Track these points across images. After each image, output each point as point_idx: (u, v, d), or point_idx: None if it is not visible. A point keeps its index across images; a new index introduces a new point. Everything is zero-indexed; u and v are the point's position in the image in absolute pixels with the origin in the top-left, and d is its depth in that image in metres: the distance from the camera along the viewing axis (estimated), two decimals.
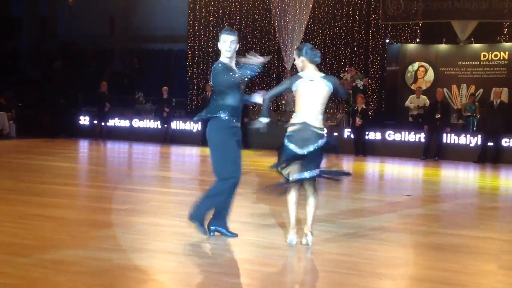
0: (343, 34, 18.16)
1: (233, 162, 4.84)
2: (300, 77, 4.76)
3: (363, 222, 5.98)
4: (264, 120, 4.88)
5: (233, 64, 4.84)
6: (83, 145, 15.31)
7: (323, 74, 4.86)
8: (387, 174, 11.84)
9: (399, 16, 16.92)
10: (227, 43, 4.76)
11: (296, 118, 4.74)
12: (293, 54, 17.34)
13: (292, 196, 4.81)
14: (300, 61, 4.87)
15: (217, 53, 18.52)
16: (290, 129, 4.72)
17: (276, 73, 18.63)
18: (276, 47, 18.19)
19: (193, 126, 16.61)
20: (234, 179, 4.84)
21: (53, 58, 21.94)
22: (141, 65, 22.77)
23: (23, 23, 24.47)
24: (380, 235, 5.44)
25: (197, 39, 19.45)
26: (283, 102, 17.01)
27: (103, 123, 16.70)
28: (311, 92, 4.74)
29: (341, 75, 16.46)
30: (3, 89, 17.65)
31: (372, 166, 12.68)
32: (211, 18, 19.37)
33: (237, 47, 4.86)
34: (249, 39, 19.00)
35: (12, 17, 24.48)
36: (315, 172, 4.69)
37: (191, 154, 14.23)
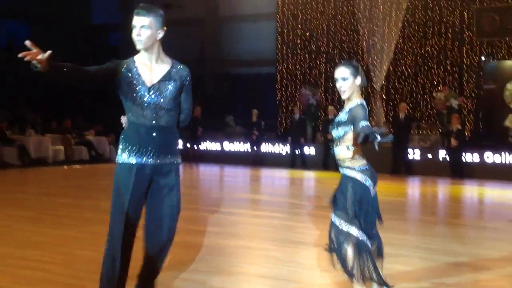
0: (435, 52, 17.63)
1: None
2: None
3: (461, 249, 5.68)
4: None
5: (152, 60, 3.40)
6: None
7: None
8: (487, 198, 11.22)
9: (495, 32, 16.24)
10: (135, 29, 3.32)
11: (364, 159, 3.66)
12: (382, 74, 17.22)
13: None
14: (354, 83, 3.60)
15: (304, 75, 18.48)
16: (360, 163, 3.60)
17: (365, 94, 18.36)
18: (364, 68, 17.98)
19: (283, 148, 16.72)
20: None
21: None
22: (231, 89, 23.27)
23: (119, 52, 25.88)
24: (479, 263, 5.14)
25: (285, 62, 19.66)
26: (373, 123, 16.71)
27: (195, 147, 17.18)
28: None
29: (434, 94, 15.96)
30: (97, 117, 18.51)
31: (470, 190, 12.08)
32: (298, 41, 19.53)
33: (160, 35, 3.36)
34: (337, 61, 18.91)
35: (109, 47, 25.95)
36: None
37: (280, 176, 14.27)
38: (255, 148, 16.76)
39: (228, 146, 17.51)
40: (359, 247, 3.47)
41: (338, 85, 3.61)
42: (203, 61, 23.91)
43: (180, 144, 17.87)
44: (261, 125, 16.98)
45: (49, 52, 2.89)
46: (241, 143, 17.39)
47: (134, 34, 3.31)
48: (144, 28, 3.28)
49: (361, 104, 3.51)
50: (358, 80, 3.58)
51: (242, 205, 8.93)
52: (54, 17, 21.15)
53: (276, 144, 16.97)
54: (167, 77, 3.39)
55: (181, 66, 3.50)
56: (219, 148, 17.57)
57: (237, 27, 23.26)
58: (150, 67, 3.39)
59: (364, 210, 3.54)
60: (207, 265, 4.77)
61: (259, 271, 4.69)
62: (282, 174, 14.54)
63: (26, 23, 23.31)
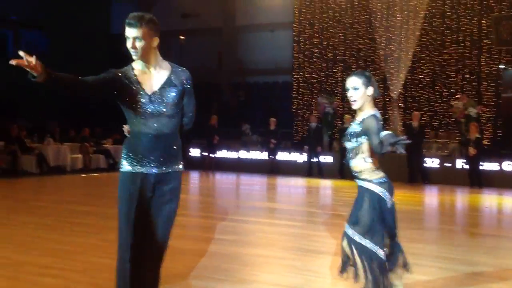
0: (454, 60, 17.53)
1: None
2: (380, 119, 3.52)
3: (480, 259, 5.61)
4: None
5: (151, 68, 3.34)
6: (194, 176, 15.84)
7: None
8: (505, 208, 11.08)
9: None
10: (129, 41, 3.23)
11: (382, 171, 3.55)
12: (399, 83, 17.13)
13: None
14: (365, 93, 3.52)
15: (321, 84, 18.50)
16: (378, 175, 3.51)
17: (382, 102, 18.29)
18: (381, 77, 17.93)
19: (299, 157, 16.71)
20: None
21: None
22: (247, 97, 23.34)
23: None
24: (499, 273, 5.07)
25: (301, 70, 19.68)
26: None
27: (212, 155, 17.24)
28: None
29: (452, 102, 15.84)
30: (114, 125, 18.65)
31: (489, 199, 11.94)
32: (315, 50, 19.54)
33: (155, 42, 3.27)
34: (354, 69, 18.88)
35: (127, 56, 26.24)
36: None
37: (296, 185, 14.24)
38: (271, 156, 16.78)
39: (245, 154, 17.55)
40: (372, 259, 3.44)
41: (349, 94, 3.56)
42: (220, 70, 24.03)
43: (197, 152, 18.02)
44: (278, 133, 17.02)
45: (34, 57, 2.80)
46: (258, 151, 17.42)
47: (128, 46, 3.22)
48: (137, 39, 3.18)
49: (374, 115, 3.44)
50: (370, 91, 3.52)
51: (258, 213, 8.93)
52: (73, 27, 21.43)
53: (293, 152, 16.98)
54: (167, 83, 3.33)
55: (181, 70, 3.43)
56: (235, 157, 17.62)
57: (254, 36, 23.37)
58: (149, 75, 3.33)
59: (380, 222, 3.49)
60: (223, 274, 4.77)
61: (275, 280, 4.68)
62: (298, 183, 14.51)
63: (45, 33, 23.65)
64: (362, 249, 3.44)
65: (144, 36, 3.18)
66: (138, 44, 3.19)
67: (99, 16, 23.61)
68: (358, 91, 3.52)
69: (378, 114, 3.49)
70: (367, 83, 3.52)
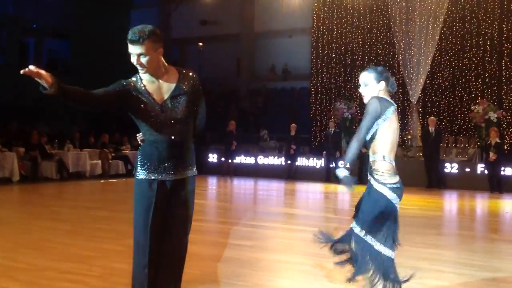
0: (473, 65, 17.37)
1: None
2: (391, 103, 3.47)
3: (499, 265, 5.54)
4: (345, 172, 3.58)
5: (159, 77, 3.31)
6: (212, 182, 15.90)
7: None
8: None
9: None
10: (134, 57, 3.24)
11: (393, 163, 3.49)
12: (418, 88, 16.98)
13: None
14: (376, 89, 3.51)
15: (339, 89, 18.43)
16: (393, 180, 3.46)
17: (401, 107, 18.18)
18: (400, 81, 17.81)
19: (317, 162, 16.68)
20: None
21: None
22: (265, 103, 23.35)
23: None
24: None
25: (319, 76, 19.64)
26: (409, 136, 16.49)
27: (230, 161, 17.29)
28: (397, 127, 3.54)
29: (472, 107, 15.68)
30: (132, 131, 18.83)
31: (509, 204, 11.78)
32: (333, 56, 19.50)
33: (160, 53, 3.26)
34: None
35: None
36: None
37: (314, 190, 14.20)
38: (289, 162, 16.79)
39: (263, 160, 17.58)
40: (381, 259, 3.40)
41: (360, 90, 3.59)
42: (238, 76, 24.10)
43: (215, 158, 18.08)
44: (298, 139, 17.03)
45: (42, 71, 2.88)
46: (275, 157, 17.44)
47: (134, 62, 3.22)
48: (142, 56, 3.18)
49: (376, 97, 3.43)
50: (382, 85, 3.51)
51: (276, 219, 8.92)
52: (94, 35, 21.68)
53: (311, 158, 16.97)
54: (177, 91, 3.34)
55: (188, 74, 3.42)
56: (253, 162, 17.65)
57: (272, 42, 23.42)
58: (158, 84, 3.33)
59: (387, 223, 3.44)
60: (240, 279, 4.78)
61: (293, 285, 4.67)
62: (316, 188, 14.47)
63: (66, 41, 23.95)
64: (371, 249, 3.40)
65: (148, 51, 3.17)
66: (143, 60, 3.19)
67: (119, 24, 23.86)
68: (369, 86, 3.53)
69: (385, 100, 3.44)
70: (378, 78, 3.52)
